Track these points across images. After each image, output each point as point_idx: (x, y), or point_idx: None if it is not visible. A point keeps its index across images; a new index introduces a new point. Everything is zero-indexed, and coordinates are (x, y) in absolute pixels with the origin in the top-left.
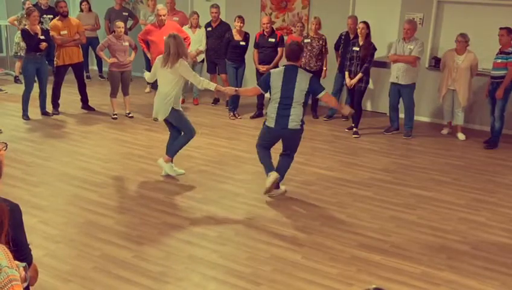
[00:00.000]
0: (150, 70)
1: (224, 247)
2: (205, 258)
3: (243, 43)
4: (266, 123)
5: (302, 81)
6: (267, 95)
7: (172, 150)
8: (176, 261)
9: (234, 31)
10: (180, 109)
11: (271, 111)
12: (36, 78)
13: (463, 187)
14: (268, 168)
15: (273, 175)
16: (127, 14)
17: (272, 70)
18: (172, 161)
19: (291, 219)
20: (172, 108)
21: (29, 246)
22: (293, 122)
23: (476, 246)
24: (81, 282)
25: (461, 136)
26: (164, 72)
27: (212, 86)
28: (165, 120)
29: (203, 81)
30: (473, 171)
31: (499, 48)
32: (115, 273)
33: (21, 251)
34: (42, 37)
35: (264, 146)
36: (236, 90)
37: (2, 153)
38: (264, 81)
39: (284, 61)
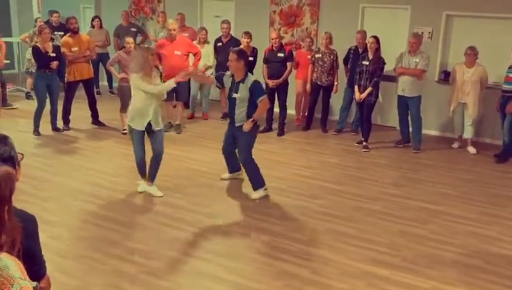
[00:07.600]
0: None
1: (233, 262)
2: (214, 274)
3: (250, 58)
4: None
5: None
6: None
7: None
8: (185, 276)
9: (242, 47)
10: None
11: None
12: (47, 94)
13: (473, 201)
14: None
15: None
16: (135, 30)
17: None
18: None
19: (300, 233)
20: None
21: (43, 258)
22: None
23: (487, 260)
24: None
25: (471, 149)
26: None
27: (171, 82)
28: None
29: (160, 88)
30: (483, 185)
31: (511, 61)
32: (123, 288)
33: (35, 262)
34: (53, 55)
35: None
36: (252, 120)
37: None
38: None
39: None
